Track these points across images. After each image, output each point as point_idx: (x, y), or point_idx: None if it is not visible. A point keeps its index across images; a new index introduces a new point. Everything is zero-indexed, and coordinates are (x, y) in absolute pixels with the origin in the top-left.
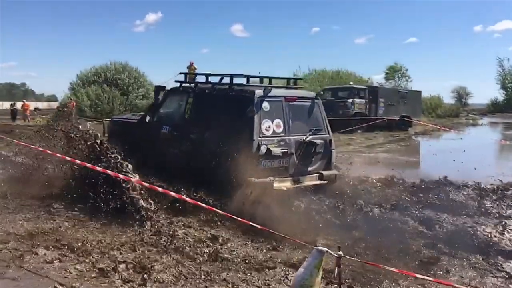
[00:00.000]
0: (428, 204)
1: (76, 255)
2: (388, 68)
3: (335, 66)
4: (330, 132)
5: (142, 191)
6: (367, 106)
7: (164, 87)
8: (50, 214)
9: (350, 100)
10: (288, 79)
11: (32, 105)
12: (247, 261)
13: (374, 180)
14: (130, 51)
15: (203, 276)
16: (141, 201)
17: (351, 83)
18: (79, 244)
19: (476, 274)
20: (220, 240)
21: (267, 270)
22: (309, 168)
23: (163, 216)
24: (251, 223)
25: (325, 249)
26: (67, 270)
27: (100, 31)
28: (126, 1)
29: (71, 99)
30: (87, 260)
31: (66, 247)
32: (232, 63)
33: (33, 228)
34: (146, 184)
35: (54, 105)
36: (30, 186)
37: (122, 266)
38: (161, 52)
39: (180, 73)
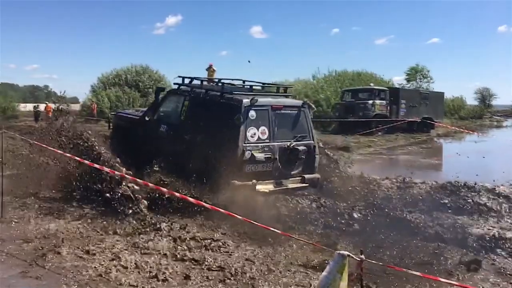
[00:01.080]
0: (453, 208)
1: (95, 255)
2: (409, 69)
3: (355, 67)
4: (315, 139)
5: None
6: (388, 108)
7: (164, 88)
8: (69, 214)
9: (370, 102)
10: (279, 86)
11: (54, 107)
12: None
13: (396, 182)
14: (151, 54)
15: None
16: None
17: (372, 84)
18: (98, 244)
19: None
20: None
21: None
22: (292, 172)
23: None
24: (272, 228)
25: (346, 252)
26: (87, 269)
27: (121, 34)
28: (147, 5)
29: (92, 101)
30: (106, 260)
31: (87, 247)
32: (251, 65)
33: (55, 227)
34: (129, 177)
35: (76, 107)
36: (49, 185)
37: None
38: (180, 54)
39: (179, 76)
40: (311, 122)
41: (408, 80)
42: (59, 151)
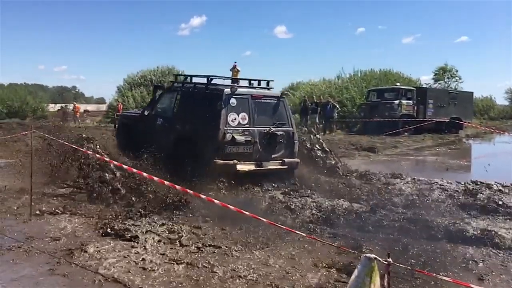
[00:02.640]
0: (482, 210)
1: (123, 250)
2: (437, 69)
3: (381, 66)
4: (294, 126)
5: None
6: (415, 108)
7: (161, 86)
8: (95, 212)
9: (396, 102)
10: (263, 81)
11: (82, 107)
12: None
13: (422, 183)
14: (176, 55)
15: None
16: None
17: (398, 83)
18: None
19: None
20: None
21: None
22: (273, 155)
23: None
24: (297, 231)
25: (373, 255)
26: (115, 266)
27: (147, 36)
28: (172, 6)
29: (118, 101)
30: (134, 257)
31: (115, 243)
32: (275, 64)
33: (82, 225)
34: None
35: (103, 107)
36: (75, 183)
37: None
38: (205, 54)
39: (173, 75)
40: (290, 111)
41: (436, 80)
42: (73, 145)
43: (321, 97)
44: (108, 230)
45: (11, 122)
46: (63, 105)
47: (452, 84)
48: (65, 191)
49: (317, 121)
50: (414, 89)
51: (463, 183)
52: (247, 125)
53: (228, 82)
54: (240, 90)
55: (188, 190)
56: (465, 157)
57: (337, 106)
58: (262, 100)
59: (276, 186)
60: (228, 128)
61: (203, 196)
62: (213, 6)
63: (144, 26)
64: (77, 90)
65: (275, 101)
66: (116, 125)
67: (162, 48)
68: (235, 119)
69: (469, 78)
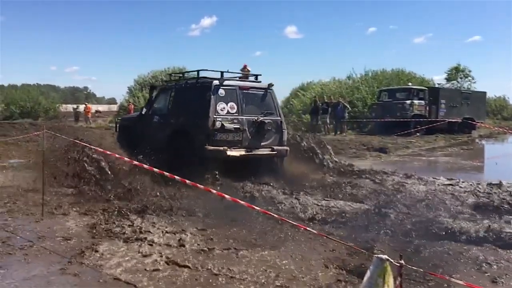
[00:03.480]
0: (496, 211)
1: (134, 251)
2: (450, 70)
3: (392, 66)
4: (282, 116)
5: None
6: (427, 108)
7: (156, 86)
8: (106, 212)
9: (408, 102)
10: (251, 75)
11: (93, 107)
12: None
13: (435, 184)
14: (186, 55)
15: None
16: None
17: (410, 83)
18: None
19: None
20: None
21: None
22: (262, 143)
23: None
24: (308, 228)
25: (385, 256)
26: (124, 266)
27: (158, 36)
28: (183, 7)
29: (129, 102)
30: (145, 257)
31: (125, 243)
32: (285, 65)
33: (93, 225)
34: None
35: (114, 107)
36: (87, 183)
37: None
38: (215, 55)
39: (168, 74)
40: (277, 102)
41: (448, 80)
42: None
43: (332, 97)
44: (117, 230)
45: (24, 122)
46: (75, 105)
47: (465, 84)
48: (75, 190)
49: (328, 121)
50: (426, 89)
51: (476, 183)
52: (236, 114)
53: (217, 74)
54: (228, 82)
55: (199, 185)
56: (478, 157)
57: (348, 107)
58: (250, 91)
59: (279, 186)
60: (218, 116)
61: (214, 191)
62: (224, 6)
63: (155, 27)
64: (88, 91)
65: (263, 92)
66: (117, 129)
67: (172, 49)
68: (224, 108)
69: (482, 77)
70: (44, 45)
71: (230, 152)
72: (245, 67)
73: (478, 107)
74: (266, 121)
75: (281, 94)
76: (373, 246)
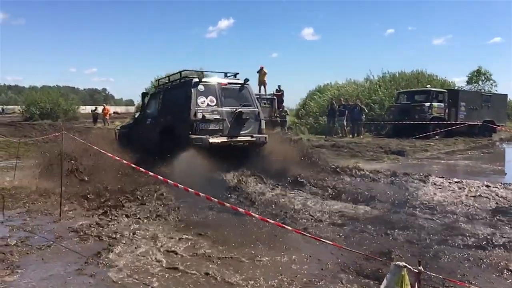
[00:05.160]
0: None
1: (150, 251)
2: (471, 73)
3: (411, 68)
4: (259, 107)
5: None
6: (446, 110)
7: (148, 93)
8: (124, 214)
9: (427, 104)
10: (231, 74)
11: (111, 109)
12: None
13: (459, 188)
14: (203, 57)
15: None
16: None
17: (428, 86)
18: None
19: None
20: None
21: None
22: (242, 132)
23: None
24: (322, 239)
25: (403, 264)
26: (138, 265)
27: (176, 38)
28: (200, 9)
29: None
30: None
31: (139, 246)
32: (301, 66)
33: (110, 226)
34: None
35: (132, 109)
36: (103, 184)
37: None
38: (232, 57)
39: (156, 80)
40: (254, 95)
41: (469, 83)
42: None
43: (348, 99)
44: (136, 229)
45: (43, 123)
46: (93, 107)
47: (486, 87)
48: (93, 191)
49: (345, 123)
50: (446, 91)
51: (496, 187)
52: (216, 106)
53: (197, 73)
54: (207, 79)
55: (213, 199)
56: (499, 161)
57: (365, 109)
58: (228, 86)
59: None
60: (199, 108)
61: (228, 205)
62: (241, 8)
63: (172, 29)
64: (107, 92)
65: (239, 87)
66: (117, 136)
67: (190, 51)
68: (204, 101)
69: (503, 79)
70: (63, 47)
71: (212, 140)
72: (261, 68)
73: (499, 110)
74: (244, 111)
75: (297, 95)
76: (391, 251)
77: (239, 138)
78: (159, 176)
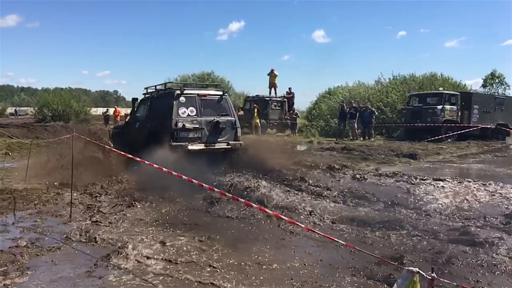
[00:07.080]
0: None
1: (155, 251)
2: (486, 76)
3: (423, 71)
4: (236, 117)
5: None
6: (459, 113)
7: (138, 98)
8: (135, 216)
9: (439, 107)
10: (212, 85)
11: (122, 111)
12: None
13: (472, 192)
14: (214, 59)
15: None
16: None
17: (441, 88)
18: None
19: None
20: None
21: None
22: (219, 139)
23: None
24: (336, 239)
25: (416, 269)
26: (149, 268)
27: (186, 41)
28: (211, 11)
29: None
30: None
31: (149, 249)
32: (313, 69)
33: (121, 229)
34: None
35: None
36: (114, 186)
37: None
38: (243, 59)
39: (145, 88)
40: (232, 105)
41: (484, 86)
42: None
43: (359, 102)
44: (149, 232)
45: (55, 125)
46: (104, 109)
47: (500, 90)
48: (104, 193)
49: (356, 126)
50: (458, 94)
51: (510, 191)
52: (195, 116)
53: (180, 85)
54: (188, 91)
55: (215, 189)
56: None
57: (375, 112)
58: (207, 98)
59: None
60: (179, 118)
61: (229, 195)
62: (251, 11)
63: (183, 31)
64: (118, 94)
65: (218, 98)
66: (110, 135)
67: (201, 53)
68: (184, 112)
69: None
70: (77, 49)
71: (191, 147)
72: (272, 71)
73: None
74: (221, 120)
75: (308, 97)
76: (402, 256)
77: (216, 146)
78: (164, 168)
